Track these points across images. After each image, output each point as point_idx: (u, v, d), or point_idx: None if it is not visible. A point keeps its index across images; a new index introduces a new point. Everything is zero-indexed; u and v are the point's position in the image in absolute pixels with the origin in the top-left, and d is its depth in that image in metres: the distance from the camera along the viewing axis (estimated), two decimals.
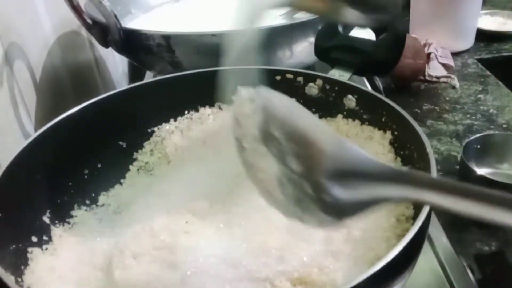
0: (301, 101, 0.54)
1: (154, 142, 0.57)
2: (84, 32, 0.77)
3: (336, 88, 0.53)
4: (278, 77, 0.56)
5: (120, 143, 0.55)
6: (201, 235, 0.44)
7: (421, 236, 0.35)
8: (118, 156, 0.55)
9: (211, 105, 0.58)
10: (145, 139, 0.57)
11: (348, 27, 0.61)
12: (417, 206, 0.40)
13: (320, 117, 0.55)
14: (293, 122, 0.31)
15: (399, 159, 0.47)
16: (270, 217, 0.43)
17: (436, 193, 0.26)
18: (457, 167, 0.67)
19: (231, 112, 0.33)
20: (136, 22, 0.78)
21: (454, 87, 0.89)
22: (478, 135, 0.66)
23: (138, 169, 0.56)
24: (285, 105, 0.33)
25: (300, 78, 0.55)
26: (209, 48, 0.59)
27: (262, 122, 0.31)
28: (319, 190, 0.29)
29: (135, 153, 0.56)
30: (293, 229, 0.42)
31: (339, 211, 0.29)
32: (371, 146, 0.50)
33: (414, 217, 0.41)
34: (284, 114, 0.31)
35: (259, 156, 0.31)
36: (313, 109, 0.56)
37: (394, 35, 0.56)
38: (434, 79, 0.90)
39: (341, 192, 0.28)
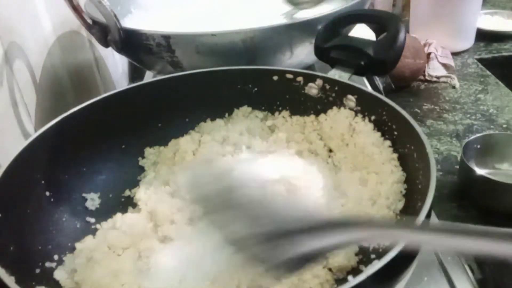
0: (301, 100, 0.56)
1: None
2: (84, 32, 0.77)
3: (336, 88, 0.53)
4: (277, 77, 0.56)
5: (120, 143, 0.55)
6: None
7: None
8: (117, 156, 0.55)
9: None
10: (144, 142, 0.57)
11: (348, 27, 0.61)
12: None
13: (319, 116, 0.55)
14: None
15: (397, 158, 0.47)
16: None
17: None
18: (457, 167, 0.67)
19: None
20: (136, 22, 0.77)
21: (454, 87, 0.89)
22: (478, 135, 0.66)
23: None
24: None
25: (300, 78, 0.55)
26: (209, 48, 0.59)
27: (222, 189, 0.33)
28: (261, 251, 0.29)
29: (134, 154, 0.56)
30: None
31: (287, 268, 0.29)
32: (370, 147, 0.50)
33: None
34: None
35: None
36: (313, 110, 0.56)
37: (394, 35, 0.56)
38: (434, 79, 0.90)
39: (284, 251, 0.29)
